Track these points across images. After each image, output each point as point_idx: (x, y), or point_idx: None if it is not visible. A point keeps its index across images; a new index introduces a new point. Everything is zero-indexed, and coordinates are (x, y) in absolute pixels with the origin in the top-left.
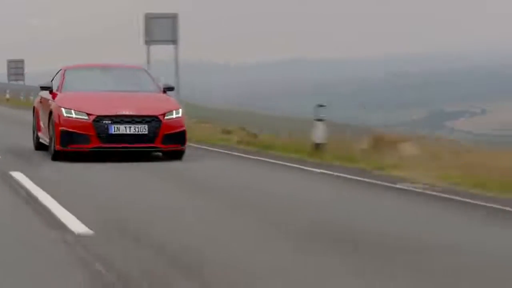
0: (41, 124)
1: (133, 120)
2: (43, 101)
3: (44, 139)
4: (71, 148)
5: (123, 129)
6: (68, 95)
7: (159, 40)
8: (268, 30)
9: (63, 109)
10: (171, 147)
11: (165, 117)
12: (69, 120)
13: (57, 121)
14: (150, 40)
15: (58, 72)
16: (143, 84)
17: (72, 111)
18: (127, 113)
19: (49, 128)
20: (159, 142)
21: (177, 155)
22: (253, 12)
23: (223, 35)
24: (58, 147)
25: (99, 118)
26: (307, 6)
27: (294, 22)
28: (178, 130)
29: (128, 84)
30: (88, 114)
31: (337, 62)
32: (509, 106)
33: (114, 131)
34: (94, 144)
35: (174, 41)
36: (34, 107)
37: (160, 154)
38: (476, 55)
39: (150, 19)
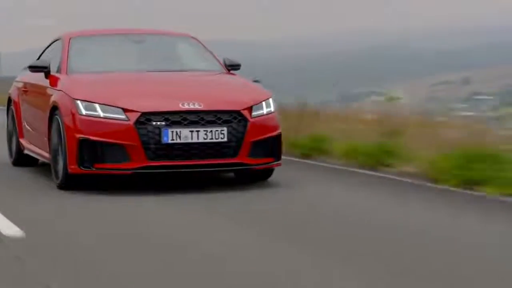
0: (26, 126)
1: (202, 119)
2: (30, 90)
3: (33, 150)
4: (98, 169)
5: (186, 134)
6: (82, 79)
7: None
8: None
9: (79, 103)
10: (262, 162)
11: (252, 114)
12: (92, 122)
13: (69, 123)
14: None
15: (53, 43)
16: (197, 59)
17: (97, 106)
18: (192, 107)
19: (49, 135)
20: (244, 154)
21: (262, 174)
22: None
23: None
24: (73, 168)
25: (146, 118)
26: None
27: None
28: (272, 134)
29: (175, 60)
30: (126, 111)
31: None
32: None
33: (172, 139)
34: (138, 162)
35: None
36: (10, 100)
37: (231, 174)
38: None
39: None
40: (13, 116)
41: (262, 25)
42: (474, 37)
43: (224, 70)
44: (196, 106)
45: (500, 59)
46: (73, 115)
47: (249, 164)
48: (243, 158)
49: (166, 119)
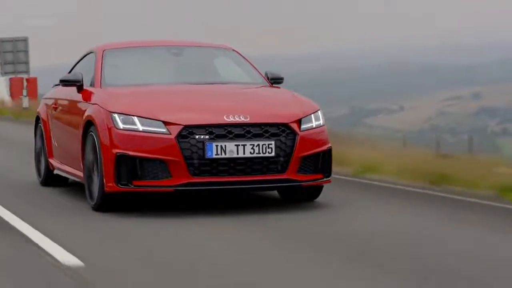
0: (56, 144)
1: (249, 132)
2: (61, 106)
3: (65, 169)
4: (137, 187)
5: (232, 149)
6: (118, 92)
7: None
8: None
9: (116, 117)
10: (312, 178)
11: (301, 127)
12: (130, 136)
13: (106, 138)
14: None
15: (84, 56)
16: (238, 72)
17: (135, 120)
18: (237, 120)
19: (83, 153)
20: (293, 170)
21: (311, 192)
22: None
23: None
24: (110, 186)
25: (188, 131)
26: None
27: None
28: (321, 149)
29: (214, 73)
30: (167, 124)
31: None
32: (423, 102)
33: (217, 154)
34: (180, 179)
35: None
36: (38, 118)
37: (270, 191)
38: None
39: None
40: (41, 135)
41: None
42: (485, 53)
43: (267, 83)
44: (242, 119)
45: (509, 74)
46: (109, 129)
47: (298, 181)
48: (292, 174)
49: (210, 133)
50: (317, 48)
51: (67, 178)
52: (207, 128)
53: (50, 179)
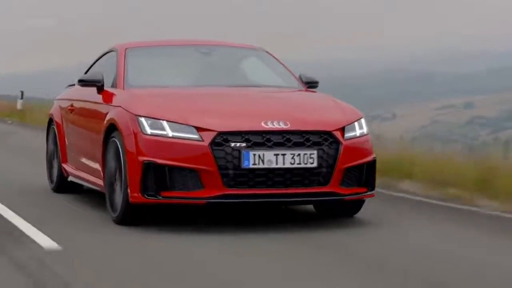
0: (72, 149)
1: (289, 140)
2: (78, 108)
3: (81, 176)
4: (165, 198)
5: (270, 158)
6: (144, 94)
7: None
8: None
9: (143, 121)
10: (355, 192)
11: (345, 135)
12: (159, 143)
13: (131, 144)
14: None
15: (103, 55)
16: (272, 75)
17: (164, 124)
18: (276, 127)
19: (104, 160)
20: (336, 183)
21: (351, 208)
22: None
23: None
24: (135, 197)
25: (223, 138)
26: None
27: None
28: (366, 160)
29: (246, 75)
30: (200, 130)
31: None
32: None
33: (254, 163)
34: (213, 190)
35: None
36: (51, 120)
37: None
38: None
39: None
40: (54, 138)
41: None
42: (477, 62)
43: (302, 87)
44: (282, 126)
45: (502, 84)
46: (135, 134)
47: (342, 194)
48: (334, 187)
49: (246, 140)
50: (309, 55)
51: (81, 185)
52: (244, 135)
53: (63, 185)
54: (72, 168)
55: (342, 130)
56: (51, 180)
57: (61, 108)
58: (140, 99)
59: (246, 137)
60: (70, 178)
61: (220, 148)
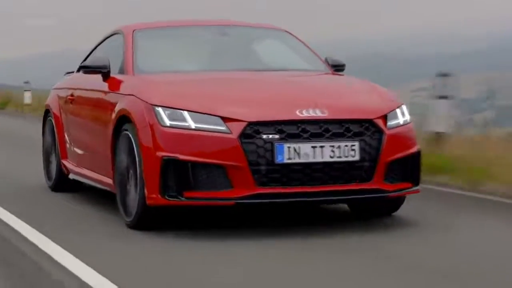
0: (73, 143)
1: (327, 130)
2: (79, 97)
3: (86, 174)
4: (188, 199)
5: (307, 151)
6: (158, 80)
7: None
8: None
9: (161, 111)
10: (399, 188)
11: (388, 123)
12: (180, 136)
13: (147, 138)
14: None
15: (106, 38)
16: (296, 57)
17: (186, 115)
18: (313, 115)
19: (114, 156)
20: (380, 178)
21: (390, 205)
22: None
23: None
24: (154, 198)
25: (253, 129)
26: None
27: None
28: (411, 151)
29: (268, 58)
30: (227, 120)
31: None
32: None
33: (289, 158)
34: (244, 190)
35: None
36: (48, 112)
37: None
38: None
39: None
40: (52, 132)
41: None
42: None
43: (329, 70)
44: (319, 114)
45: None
46: (152, 126)
47: (386, 191)
48: (378, 183)
49: (280, 131)
50: None
51: (81, 182)
52: (277, 126)
53: (62, 183)
54: (74, 164)
55: (384, 118)
56: (48, 177)
57: (59, 98)
58: (155, 86)
59: (280, 127)
60: (72, 176)
61: (251, 140)
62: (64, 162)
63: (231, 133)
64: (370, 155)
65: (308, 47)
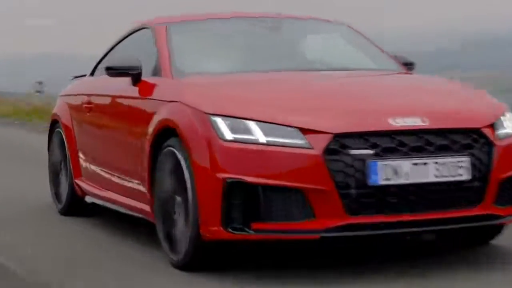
0: (90, 160)
1: (429, 143)
2: (101, 105)
3: (110, 198)
4: (259, 232)
5: (407, 170)
6: (208, 84)
7: None
8: None
9: (219, 122)
10: (510, 212)
11: (496, 133)
12: (246, 152)
13: (203, 155)
14: None
15: (131, 33)
16: (362, 55)
17: (252, 126)
18: (410, 125)
19: (150, 177)
20: (490, 200)
21: (485, 232)
22: None
23: None
24: (215, 232)
25: (340, 143)
26: None
27: None
28: None
29: (331, 56)
30: (306, 132)
31: None
32: None
33: (386, 178)
34: (331, 219)
35: None
36: (55, 123)
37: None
38: None
39: None
40: (61, 146)
41: None
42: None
43: (403, 69)
44: (418, 123)
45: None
46: (208, 141)
47: (500, 217)
48: (489, 207)
49: (373, 145)
50: None
51: (95, 205)
52: (368, 138)
53: (74, 206)
54: (91, 185)
55: (492, 126)
56: (58, 200)
57: (70, 106)
58: (208, 90)
59: (372, 140)
60: (89, 199)
61: (337, 157)
62: (78, 181)
63: (312, 148)
64: (480, 172)
65: (373, 43)
